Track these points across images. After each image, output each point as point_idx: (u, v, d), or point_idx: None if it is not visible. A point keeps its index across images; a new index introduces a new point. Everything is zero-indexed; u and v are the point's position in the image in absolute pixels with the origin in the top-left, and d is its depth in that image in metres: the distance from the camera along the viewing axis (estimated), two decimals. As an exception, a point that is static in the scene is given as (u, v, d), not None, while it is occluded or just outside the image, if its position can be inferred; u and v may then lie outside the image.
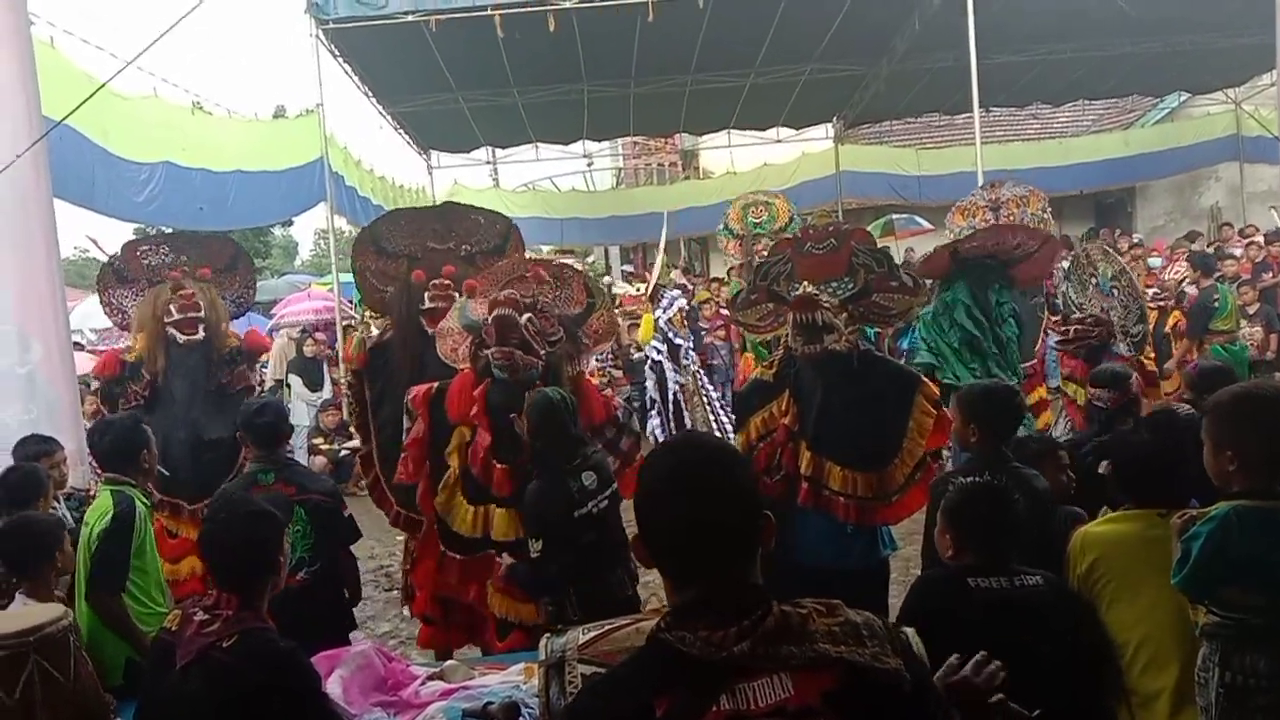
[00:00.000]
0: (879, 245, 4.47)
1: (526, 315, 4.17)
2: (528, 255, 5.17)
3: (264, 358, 10.01)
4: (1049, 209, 7.64)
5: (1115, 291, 5.01)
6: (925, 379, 4.44)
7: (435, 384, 4.44)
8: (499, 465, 4.11)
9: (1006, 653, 2.53)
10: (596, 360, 7.73)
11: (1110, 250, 5.35)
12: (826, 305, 4.08)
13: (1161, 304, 9.79)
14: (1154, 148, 17.13)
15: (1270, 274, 10.05)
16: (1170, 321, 9.79)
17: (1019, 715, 2.22)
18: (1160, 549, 2.66)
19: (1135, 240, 14.28)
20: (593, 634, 2.45)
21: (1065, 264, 5.83)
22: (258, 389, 6.22)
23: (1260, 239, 11.91)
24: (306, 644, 2.97)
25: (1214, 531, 2.30)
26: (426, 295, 4.97)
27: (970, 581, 2.65)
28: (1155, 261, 10.69)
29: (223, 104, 11.50)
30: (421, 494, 4.40)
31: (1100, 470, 3.62)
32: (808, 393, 4.19)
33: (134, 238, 7.54)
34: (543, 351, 4.19)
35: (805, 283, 4.19)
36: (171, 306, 5.26)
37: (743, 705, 1.35)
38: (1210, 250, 13.01)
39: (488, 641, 4.39)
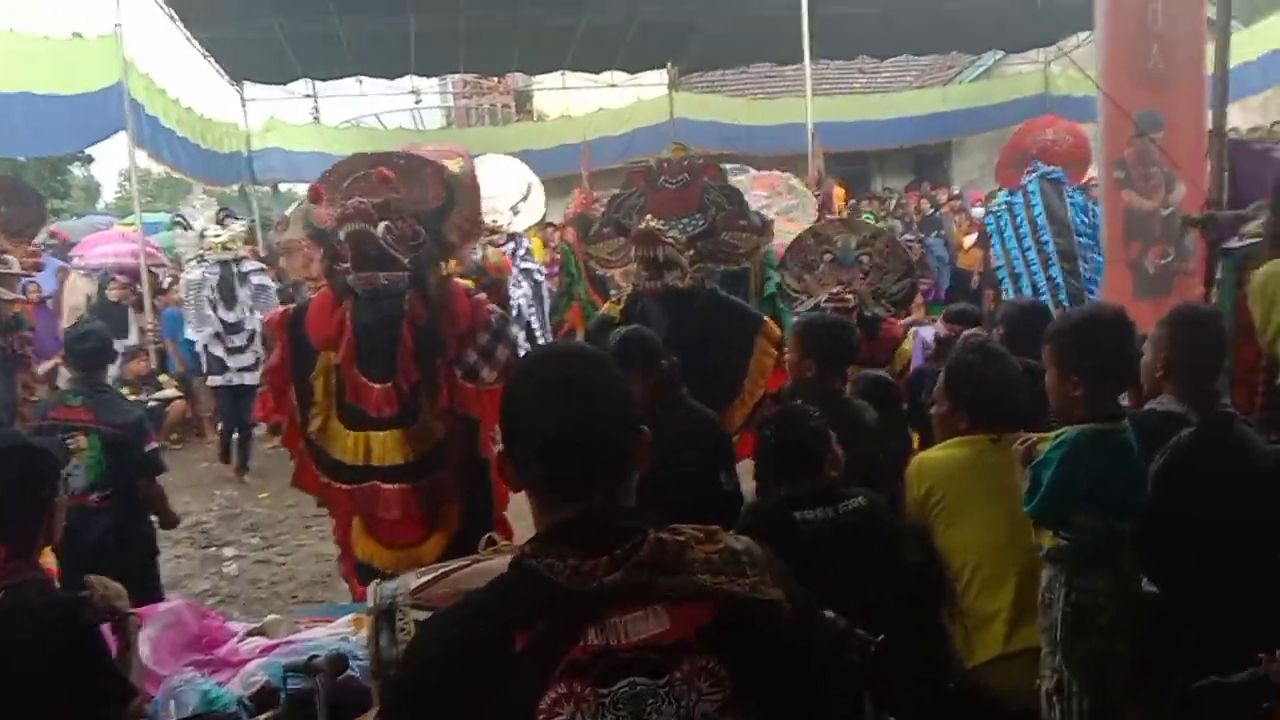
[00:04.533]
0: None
1: (383, 224, 3.73)
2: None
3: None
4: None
5: (865, 258, 5.02)
6: (770, 321, 4.45)
7: (293, 306, 4.12)
8: (376, 386, 3.82)
9: (837, 581, 2.56)
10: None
11: (855, 219, 5.35)
12: (669, 241, 4.02)
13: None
14: (969, 104, 17.82)
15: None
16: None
17: (863, 643, 2.22)
18: (992, 473, 2.73)
19: (955, 192, 14.91)
20: (426, 578, 2.29)
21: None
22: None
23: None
24: (109, 561, 3.51)
25: (1065, 457, 2.33)
26: None
27: (796, 514, 2.65)
28: (978, 211, 11.26)
29: (8, 23, 10.29)
30: (287, 431, 4.08)
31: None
32: (652, 330, 4.12)
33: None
34: (406, 260, 3.81)
35: (650, 217, 4.11)
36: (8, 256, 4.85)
37: (613, 640, 1.24)
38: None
39: (347, 578, 4.21)
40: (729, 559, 1.33)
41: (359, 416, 3.88)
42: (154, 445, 4.35)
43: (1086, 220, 7.44)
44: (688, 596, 1.27)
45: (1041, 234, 7.46)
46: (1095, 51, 6.08)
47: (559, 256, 9.80)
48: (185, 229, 8.50)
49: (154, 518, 4.44)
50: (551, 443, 1.33)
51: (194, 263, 8.36)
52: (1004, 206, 7.91)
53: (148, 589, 4.03)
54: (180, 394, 9.74)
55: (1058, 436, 2.38)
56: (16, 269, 4.88)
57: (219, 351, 8.20)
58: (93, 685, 2.16)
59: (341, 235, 3.73)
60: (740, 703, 1.26)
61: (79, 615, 2.19)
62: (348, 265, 3.78)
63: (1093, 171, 10.64)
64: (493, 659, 1.23)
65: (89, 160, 29.61)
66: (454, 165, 4.89)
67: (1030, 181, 7.56)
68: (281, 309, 4.15)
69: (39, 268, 4.93)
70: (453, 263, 5.55)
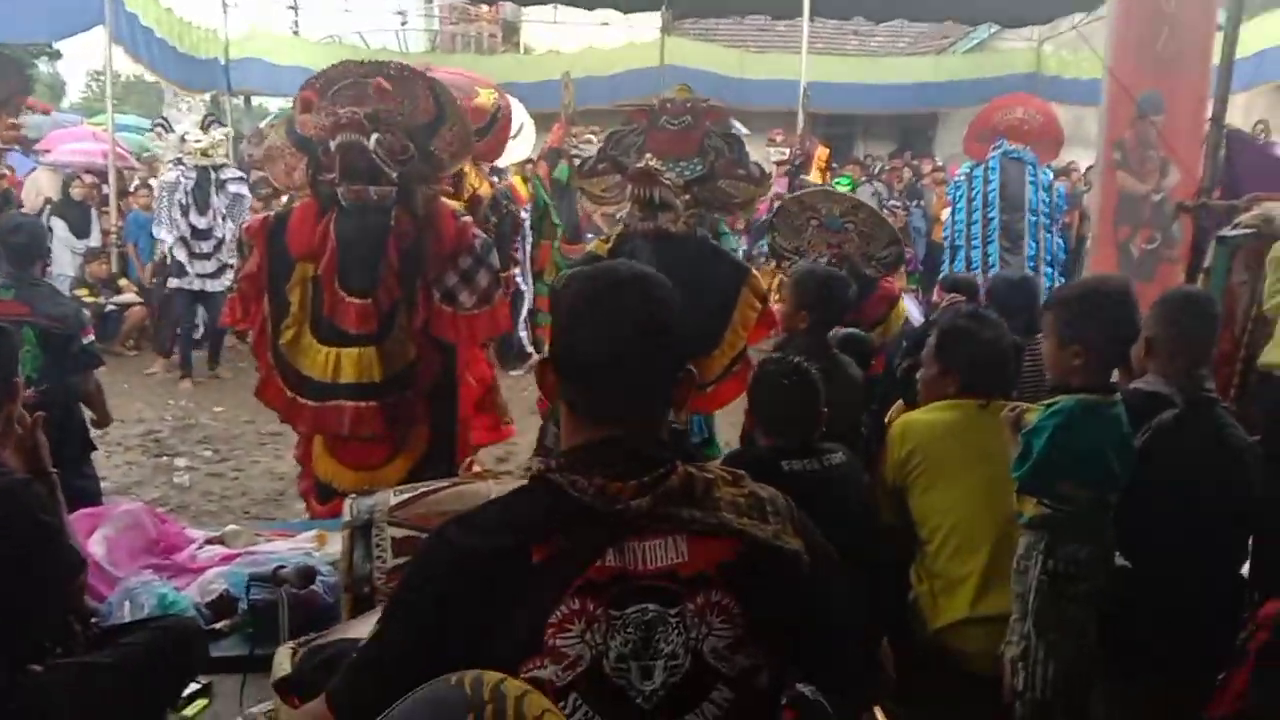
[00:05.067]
0: None
1: (375, 137, 3.64)
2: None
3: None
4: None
5: (850, 226, 5.03)
6: (755, 273, 4.40)
7: (273, 213, 4.01)
8: (355, 301, 3.73)
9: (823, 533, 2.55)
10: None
11: (831, 190, 5.40)
12: (666, 182, 3.95)
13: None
14: (959, 76, 17.69)
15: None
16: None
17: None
18: (976, 438, 2.72)
19: (938, 164, 14.85)
20: (405, 496, 2.25)
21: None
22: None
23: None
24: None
25: (1060, 426, 2.30)
26: None
27: (784, 465, 2.64)
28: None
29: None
30: (256, 341, 3.98)
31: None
32: (640, 271, 4.06)
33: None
34: (394, 174, 3.71)
35: (649, 156, 4.03)
36: None
37: (630, 564, 1.23)
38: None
39: (305, 496, 4.11)
40: (754, 503, 1.34)
41: (333, 331, 3.79)
42: (90, 338, 4.27)
43: (1047, 199, 7.48)
44: (711, 532, 1.27)
45: (990, 210, 7.52)
46: (1103, 29, 6.03)
47: (533, 191, 9.71)
48: (167, 131, 8.26)
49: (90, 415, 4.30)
50: (601, 364, 1.29)
51: (170, 165, 8.15)
52: (964, 178, 7.95)
53: (86, 490, 3.91)
54: (139, 300, 9.52)
55: (1050, 405, 2.36)
56: None
57: (181, 256, 8.05)
58: (48, 561, 2.10)
59: (332, 145, 3.62)
60: (751, 644, 1.25)
61: (36, 496, 2.11)
62: (334, 176, 3.67)
63: (1067, 154, 10.61)
64: (508, 569, 1.22)
65: (56, 56, 28.62)
66: (487, 96, 4.79)
67: (992, 158, 7.60)
68: (262, 216, 4.04)
69: (20, 141, 4.72)
70: (485, 186, 5.47)
